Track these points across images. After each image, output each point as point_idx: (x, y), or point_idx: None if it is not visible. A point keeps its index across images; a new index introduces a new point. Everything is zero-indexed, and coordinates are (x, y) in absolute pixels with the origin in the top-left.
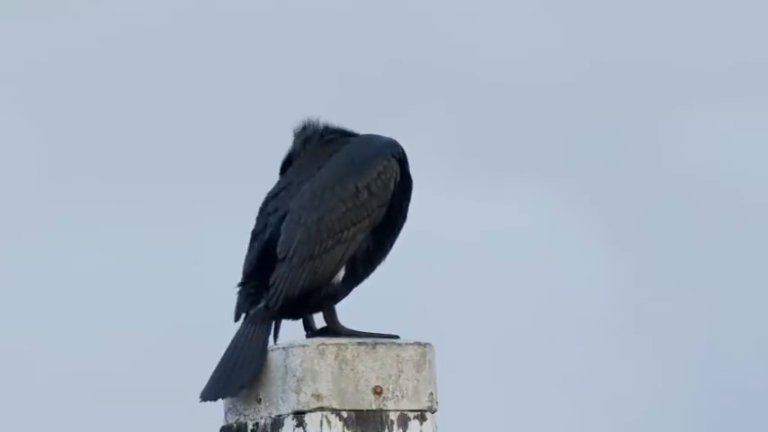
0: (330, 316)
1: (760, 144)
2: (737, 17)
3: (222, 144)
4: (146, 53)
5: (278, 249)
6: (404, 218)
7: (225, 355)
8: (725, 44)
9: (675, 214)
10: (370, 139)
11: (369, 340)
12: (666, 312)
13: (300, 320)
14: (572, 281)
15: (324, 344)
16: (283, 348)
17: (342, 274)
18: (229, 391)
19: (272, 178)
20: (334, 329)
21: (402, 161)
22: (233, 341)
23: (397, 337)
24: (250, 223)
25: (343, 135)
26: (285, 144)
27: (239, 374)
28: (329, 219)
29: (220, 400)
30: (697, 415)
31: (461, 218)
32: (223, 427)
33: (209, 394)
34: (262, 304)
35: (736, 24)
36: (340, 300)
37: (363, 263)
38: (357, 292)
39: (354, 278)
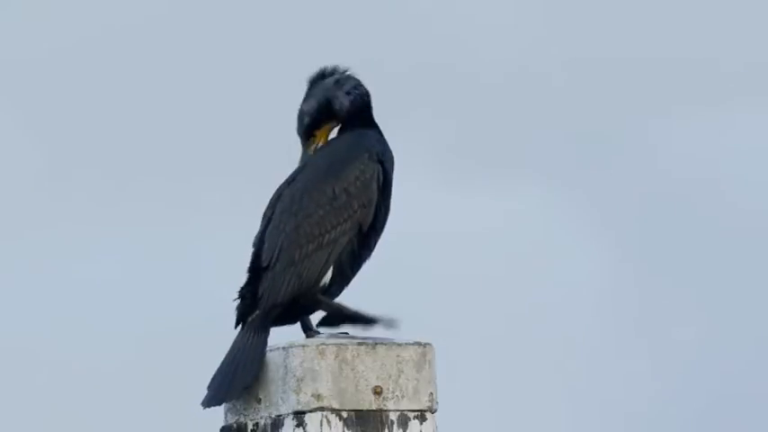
0: (327, 305)
1: (756, 144)
2: (734, 17)
3: (220, 145)
4: (141, 54)
5: (262, 257)
6: (385, 216)
7: (224, 361)
8: (721, 44)
9: (670, 213)
10: (350, 142)
11: (369, 340)
12: (662, 312)
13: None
14: (568, 279)
15: (324, 344)
16: (283, 348)
17: (329, 275)
18: (232, 395)
19: (269, 178)
20: (335, 309)
21: (382, 161)
22: (231, 348)
23: (395, 320)
24: (248, 224)
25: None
26: (283, 144)
27: (240, 378)
28: (307, 223)
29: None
30: (692, 413)
31: (456, 216)
32: (223, 427)
33: (213, 400)
34: (258, 311)
35: (734, 23)
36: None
37: (350, 264)
38: (357, 292)
39: (342, 279)
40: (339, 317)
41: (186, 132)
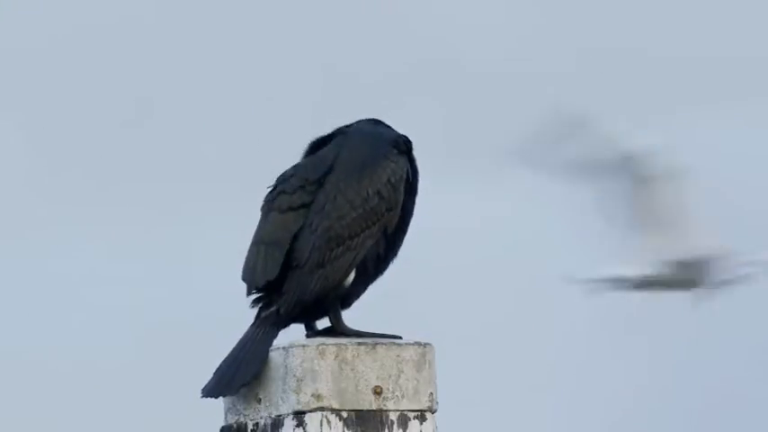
0: (335, 317)
1: (746, 145)
2: (730, 18)
3: (217, 144)
4: (133, 54)
5: (294, 255)
6: (411, 215)
7: (230, 354)
8: (714, 45)
9: None
10: (376, 136)
11: (369, 340)
12: (659, 311)
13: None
14: (559, 278)
15: (324, 344)
16: (283, 348)
17: (352, 277)
18: (230, 390)
19: (265, 179)
20: (339, 330)
21: (408, 150)
22: (240, 341)
23: (400, 338)
24: (244, 223)
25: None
26: (278, 142)
27: (241, 374)
28: (339, 226)
29: (220, 398)
30: (685, 412)
31: (447, 213)
32: (223, 427)
33: (211, 391)
34: (274, 308)
35: (728, 24)
36: (354, 301)
37: (375, 265)
38: None
39: (366, 280)
40: (342, 334)
41: (183, 133)
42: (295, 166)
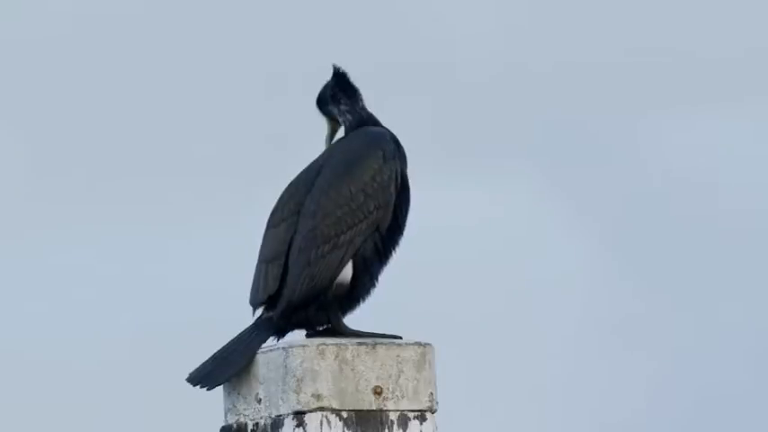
0: (334, 316)
1: (738, 144)
2: (721, 18)
3: (217, 144)
4: (133, 53)
5: (288, 261)
6: (406, 210)
7: (222, 348)
8: (706, 45)
9: (653, 212)
10: (365, 137)
11: (369, 340)
12: (654, 310)
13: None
14: (561, 278)
15: (324, 344)
16: (283, 348)
17: (349, 274)
18: (209, 384)
19: (264, 179)
20: (339, 330)
21: (399, 156)
22: (234, 338)
23: (400, 337)
24: (239, 223)
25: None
26: (273, 140)
27: (222, 372)
28: (324, 224)
29: (220, 397)
30: (679, 410)
31: (447, 213)
32: (223, 427)
33: (193, 380)
34: (270, 313)
35: (720, 25)
36: (362, 297)
37: (378, 264)
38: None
39: (371, 280)
40: (342, 335)
41: (182, 132)
42: (290, 183)
